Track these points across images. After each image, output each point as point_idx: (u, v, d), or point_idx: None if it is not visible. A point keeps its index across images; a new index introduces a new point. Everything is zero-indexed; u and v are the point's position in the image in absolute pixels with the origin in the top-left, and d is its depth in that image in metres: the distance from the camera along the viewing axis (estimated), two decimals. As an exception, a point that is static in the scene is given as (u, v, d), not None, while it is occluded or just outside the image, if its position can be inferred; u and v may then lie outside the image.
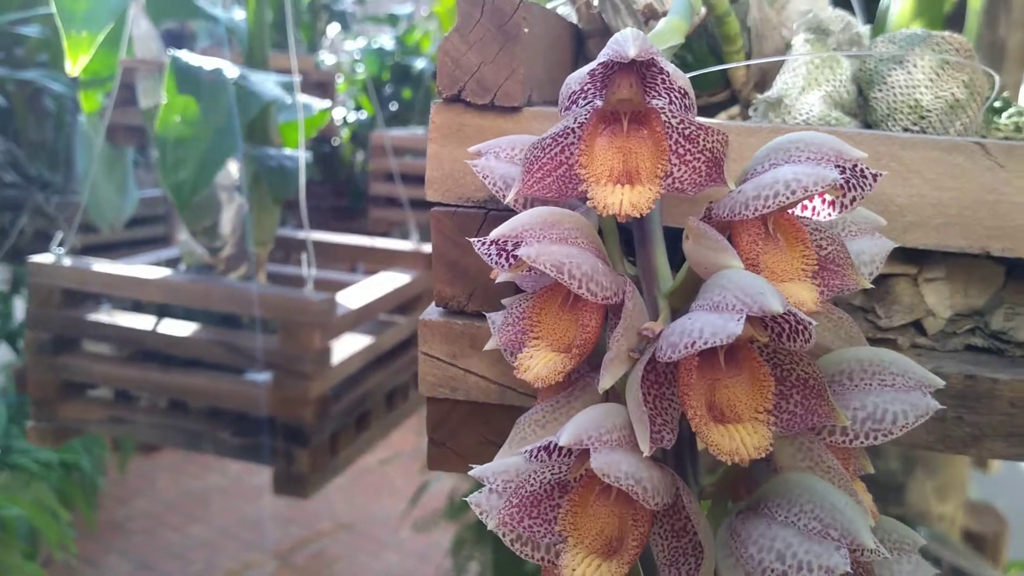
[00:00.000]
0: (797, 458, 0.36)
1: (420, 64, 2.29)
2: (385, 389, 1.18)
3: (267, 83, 1.03)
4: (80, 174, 1.43)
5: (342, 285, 1.15)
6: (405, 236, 1.50)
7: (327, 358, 1.01)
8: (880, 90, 0.45)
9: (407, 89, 2.28)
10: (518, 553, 0.37)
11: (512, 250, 0.37)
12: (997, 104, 0.48)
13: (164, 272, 1.08)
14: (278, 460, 1.02)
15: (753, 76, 0.50)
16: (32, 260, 1.09)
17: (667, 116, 0.38)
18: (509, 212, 0.45)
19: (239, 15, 1.25)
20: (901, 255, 0.44)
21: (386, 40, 2.42)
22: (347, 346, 1.08)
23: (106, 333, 1.09)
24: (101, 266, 1.08)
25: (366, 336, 1.13)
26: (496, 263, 0.38)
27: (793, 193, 0.34)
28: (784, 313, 0.32)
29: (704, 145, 0.38)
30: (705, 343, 0.31)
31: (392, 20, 2.55)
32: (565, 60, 0.56)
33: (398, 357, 1.21)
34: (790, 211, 0.37)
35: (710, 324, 0.32)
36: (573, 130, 0.38)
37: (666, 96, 0.37)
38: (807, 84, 0.45)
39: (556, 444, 0.33)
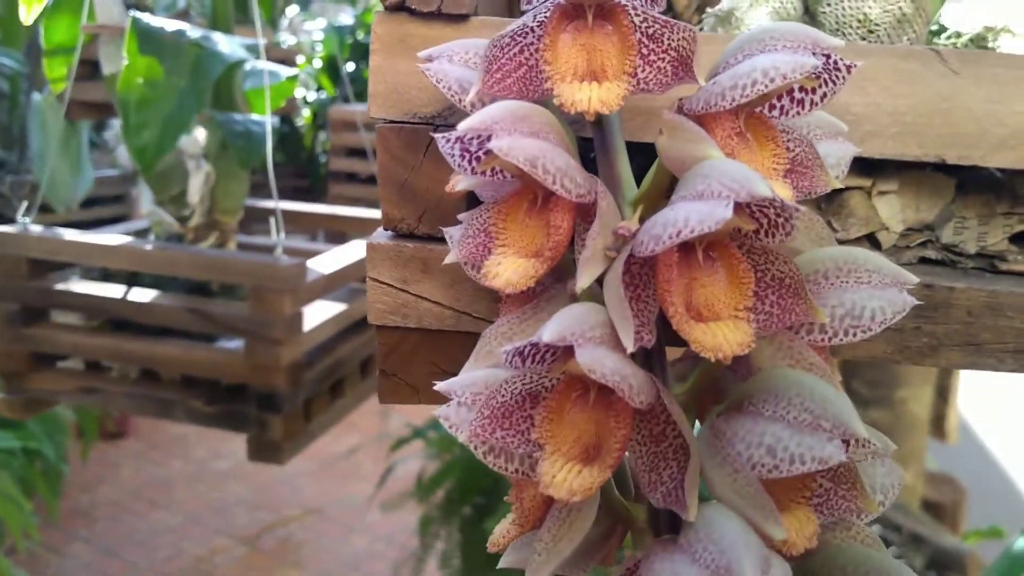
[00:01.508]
0: (777, 357, 0.31)
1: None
2: (359, 357, 1.10)
3: (231, 44, 0.94)
4: (35, 153, 1.32)
5: (312, 254, 1.07)
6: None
7: (298, 324, 0.94)
8: (828, 4, 0.41)
9: (367, 69, 2.17)
10: (491, 466, 0.32)
11: (477, 150, 0.32)
12: (934, 27, 0.44)
13: (133, 240, 0.99)
14: (251, 427, 0.95)
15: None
16: None
17: (631, 14, 0.33)
18: None
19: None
20: (855, 167, 0.40)
21: (345, 18, 2.30)
22: (319, 313, 1.00)
23: (75, 303, 0.99)
24: (69, 235, 0.99)
25: (339, 303, 1.05)
26: (459, 165, 0.32)
27: (772, 81, 0.29)
28: (771, 200, 0.27)
29: (669, 44, 0.33)
30: (691, 231, 0.27)
31: (351, -1, 2.43)
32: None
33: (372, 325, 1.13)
34: (758, 109, 0.33)
35: (696, 212, 0.27)
36: (532, 28, 0.33)
37: (631, -10, 0.32)
38: (754, 0, 0.41)
39: (537, 344, 0.28)
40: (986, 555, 1.49)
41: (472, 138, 0.31)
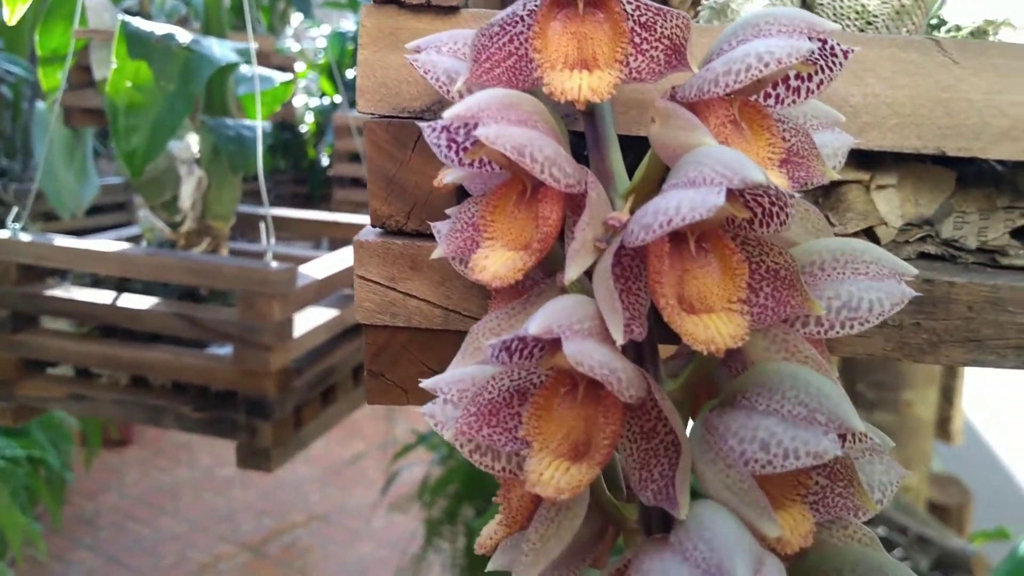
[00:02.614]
0: (771, 351, 0.30)
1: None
2: (352, 363, 1.09)
3: (221, 48, 0.94)
4: (38, 161, 1.32)
5: (306, 260, 1.06)
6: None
7: (288, 330, 0.92)
8: (827, -3, 0.40)
9: None
10: (477, 465, 0.31)
11: (464, 140, 0.31)
12: (932, 21, 0.44)
13: (122, 246, 0.98)
14: (240, 434, 0.94)
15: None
16: None
17: (623, 2, 0.32)
18: None
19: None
20: (853, 161, 0.39)
21: (348, 24, 2.30)
22: (311, 319, 1.00)
23: (65, 309, 0.99)
24: (58, 240, 0.98)
25: (331, 309, 1.04)
26: (446, 156, 0.31)
27: (766, 66, 0.28)
28: (765, 187, 0.26)
29: (662, 32, 0.32)
30: (683, 219, 0.26)
31: (353, 5, 2.42)
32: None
33: (365, 332, 1.12)
34: (753, 97, 0.32)
35: (688, 199, 0.26)
36: (522, 17, 0.32)
37: (622, -23, 0.32)
38: (753, -7, 0.40)
39: (524, 337, 0.27)
40: (992, 556, 1.47)
41: (459, 127, 0.30)
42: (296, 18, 2.31)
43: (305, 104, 2.22)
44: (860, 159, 0.39)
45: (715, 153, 0.27)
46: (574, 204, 0.31)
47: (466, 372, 0.32)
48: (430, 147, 0.39)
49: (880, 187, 0.39)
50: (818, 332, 0.30)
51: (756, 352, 0.30)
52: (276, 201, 1.93)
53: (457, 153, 0.31)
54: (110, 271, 0.96)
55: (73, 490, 2.76)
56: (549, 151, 0.29)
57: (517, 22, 0.32)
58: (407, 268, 0.39)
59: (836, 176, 0.32)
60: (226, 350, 0.96)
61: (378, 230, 0.40)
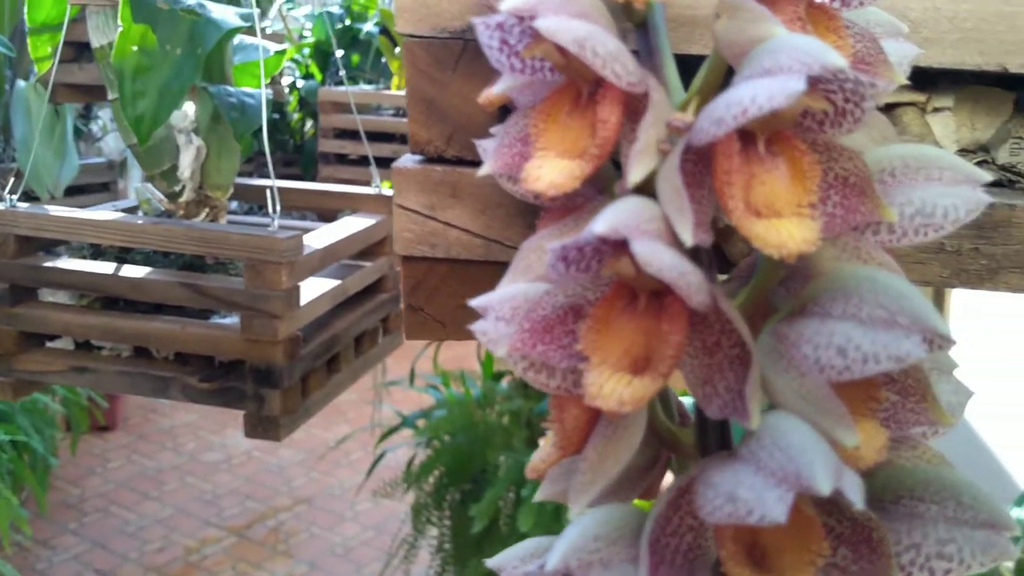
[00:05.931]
0: (842, 259, 0.29)
1: (367, 28, 2.18)
2: (353, 332, 1.08)
3: (227, 12, 0.92)
4: (19, 140, 1.30)
5: (303, 231, 1.06)
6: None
7: (296, 298, 0.91)
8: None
9: (356, 55, 2.17)
10: (531, 382, 0.30)
11: (518, 42, 0.30)
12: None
13: (124, 215, 0.97)
14: (248, 403, 0.92)
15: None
16: None
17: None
18: None
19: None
20: (910, 82, 0.38)
21: (332, 7, 2.30)
22: (313, 288, 0.99)
23: (65, 280, 0.96)
24: (57, 210, 0.96)
25: (332, 279, 1.04)
26: (496, 60, 0.30)
27: (837, -46, 0.27)
28: (846, 74, 0.26)
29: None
30: (759, 109, 0.25)
31: (342, -17, 2.42)
32: None
33: (365, 301, 1.11)
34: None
35: (764, 87, 0.25)
36: (577, -84, 0.31)
37: None
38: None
39: (581, 246, 0.27)
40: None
41: (513, 25, 0.29)
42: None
43: (292, 83, 2.21)
44: (917, 80, 0.38)
45: (792, 40, 0.26)
46: (632, 110, 0.31)
47: (518, 289, 0.31)
48: (472, 66, 0.38)
49: (936, 110, 0.38)
50: (890, 240, 0.29)
51: (825, 261, 0.29)
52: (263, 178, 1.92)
53: (509, 57, 0.30)
54: (112, 241, 0.95)
55: (58, 475, 2.76)
56: (611, 46, 0.28)
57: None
58: (447, 196, 0.38)
59: (904, 80, 0.32)
60: (231, 320, 0.95)
61: (417, 157, 0.39)
